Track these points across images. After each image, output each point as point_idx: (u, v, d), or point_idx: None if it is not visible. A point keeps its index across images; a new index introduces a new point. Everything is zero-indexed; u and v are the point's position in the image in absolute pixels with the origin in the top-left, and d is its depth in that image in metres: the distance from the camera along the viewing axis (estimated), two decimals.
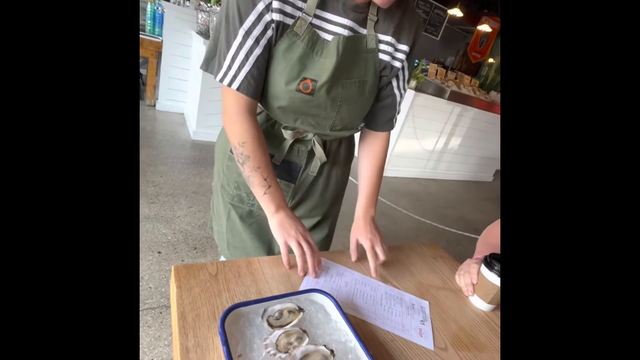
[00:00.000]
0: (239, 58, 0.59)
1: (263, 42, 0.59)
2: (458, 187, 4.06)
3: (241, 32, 0.58)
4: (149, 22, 3.24)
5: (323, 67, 0.62)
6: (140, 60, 3.49)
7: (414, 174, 3.81)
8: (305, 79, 0.62)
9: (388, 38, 0.66)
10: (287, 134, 0.72)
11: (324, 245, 0.90)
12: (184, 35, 3.15)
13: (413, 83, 3.34)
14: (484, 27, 6.17)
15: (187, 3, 3.31)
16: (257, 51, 0.59)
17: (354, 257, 0.68)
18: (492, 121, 4.00)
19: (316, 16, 0.60)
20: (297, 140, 0.74)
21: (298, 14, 0.58)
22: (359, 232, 0.70)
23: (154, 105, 3.38)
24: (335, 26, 0.61)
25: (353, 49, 0.63)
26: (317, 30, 0.61)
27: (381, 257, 0.66)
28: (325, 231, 0.89)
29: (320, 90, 0.63)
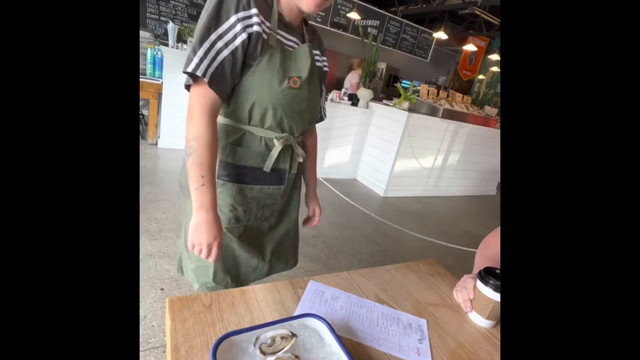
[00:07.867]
0: (211, 53, 0.66)
1: (232, 47, 0.67)
2: (461, 202, 4.04)
3: (213, 36, 0.66)
4: (149, 66, 3.41)
5: (300, 67, 0.76)
6: (141, 102, 3.63)
7: (415, 193, 3.81)
8: (292, 77, 0.75)
9: (316, 52, 0.85)
10: (277, 142, 0.80)
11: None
12: (182, 76, 3.29)
13: (406, 104, 3.42)
14: (470, 47, 6.39)
15: (185, 46, 3.49)
16: (225, 53, 0.67)
17: (317, 221, 1.04)
18: (489, 135, 4.04)
19: (277, 33, 0.74)
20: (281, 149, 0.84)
21: (268, 30, 0.71)
22: (314, 203, 1.05)
23: (156, 144, 3.48)
24: (288, 41, 0.77)
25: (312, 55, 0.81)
26: (280, 43, 0.74)
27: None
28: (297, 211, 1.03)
29: (304, 84, 0.77)
